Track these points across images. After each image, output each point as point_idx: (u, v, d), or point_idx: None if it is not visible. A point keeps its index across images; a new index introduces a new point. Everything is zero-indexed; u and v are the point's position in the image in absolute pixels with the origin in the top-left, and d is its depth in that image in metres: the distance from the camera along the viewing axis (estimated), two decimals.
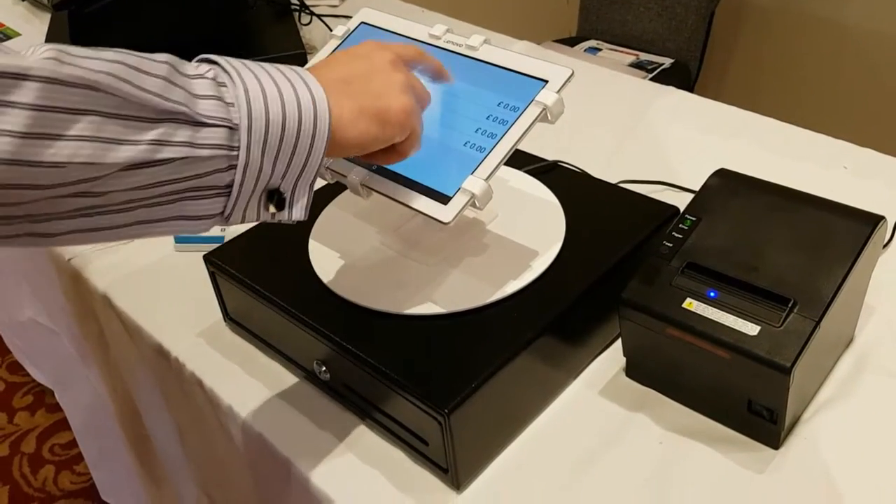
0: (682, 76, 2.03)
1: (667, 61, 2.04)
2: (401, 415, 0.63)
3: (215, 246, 0.76)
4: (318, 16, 1.37)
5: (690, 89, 1.49)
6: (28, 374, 1.47)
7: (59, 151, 0.43)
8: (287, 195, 0.53)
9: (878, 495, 0.59)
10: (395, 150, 0.58)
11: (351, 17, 0.76)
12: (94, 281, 0.87)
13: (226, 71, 0.50)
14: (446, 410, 0.57)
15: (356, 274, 0.70)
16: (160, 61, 0.48)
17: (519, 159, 0.83)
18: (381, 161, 0.60)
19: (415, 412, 0.60)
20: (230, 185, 0.50)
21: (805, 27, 2.19)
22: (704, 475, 0.62)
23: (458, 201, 0.59)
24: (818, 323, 0.59)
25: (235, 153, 0.49)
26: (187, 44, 1.08)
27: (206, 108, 0.48)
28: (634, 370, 0.70)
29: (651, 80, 1.52)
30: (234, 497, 0.83)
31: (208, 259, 0.75)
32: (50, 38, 1.18)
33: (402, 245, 0.72)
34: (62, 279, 0.95)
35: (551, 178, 0.80)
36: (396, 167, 0.63)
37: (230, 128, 0.48)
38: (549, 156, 0.84)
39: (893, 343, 0.71)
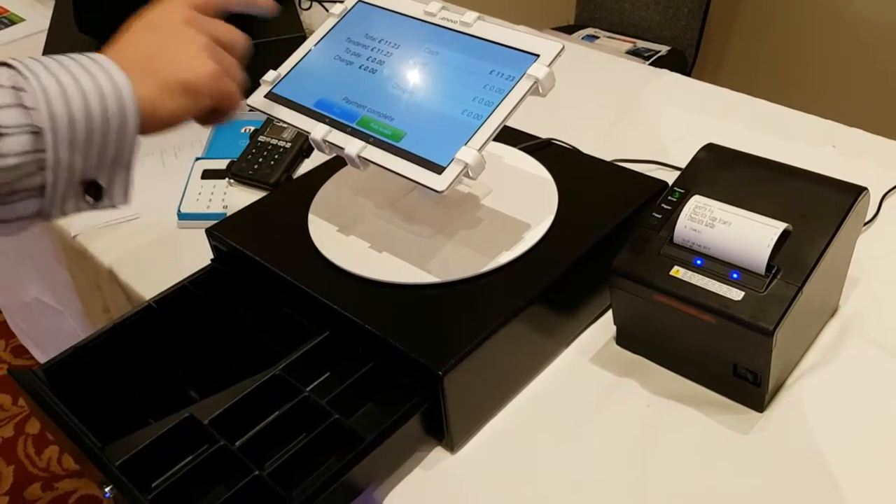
0: (678, 63, 2.04)
1: (663, 49, 2.06)
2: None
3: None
4: (319, 0, 1.39)
5: (687, 76, 1.50)
6: (32, 357, 1.49)
7: None
8: (104, 184, 0.54)
9: (858, 456, 0.62)
10: (217, 112, 0.59)
11: None
12: (99, 257, 0.89)
13: (23, 75, 0.50)
14: (440, 373, 0.59)
15: (355, 246, 0.72)
16: None
17: (514, 137, 0.85)
18: (209, 123, 0.60)
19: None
20: (43, 186, 0.51)
21: (799, 14, 2.20)
22: (690, 436, 0.64)
23: (452, 170, 0.61)
24: (800, 288, 0.61)
25: (43, 155, 0.50)
26: None
27: (6, 118, 0.48)
28: (625, 338, 0.72)
29: None
30: None
31: (211, 233, 0.77)
32: (55, 21, 1.20)
33: (400, 218, 0.74)
34: (67, 256, 0.97)
35: (545, 155, 0.82)
36: (392, 140, 0.65)
37: (34, 132, 0.49)
38: (545, 136, 0.86)
39: (876, 313, 0.73)
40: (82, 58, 0.53)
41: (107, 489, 0.58)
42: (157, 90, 0.54)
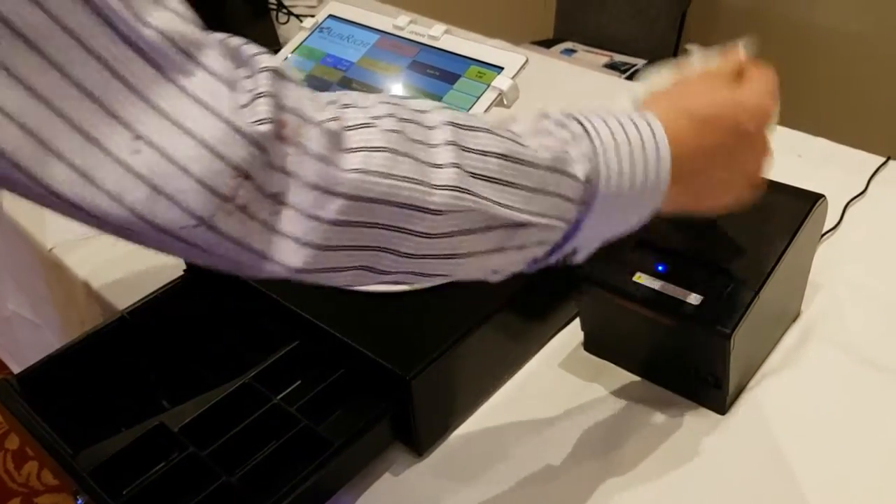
0: None
1: (640, 62, 2.09)
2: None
3: None
4: (296, 15, 1.41)
5: None
6: (11, 372, 1.49)
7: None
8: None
9: (818, 456, 0.63)
10: None
11: None
12: (75, 269, 0.90)
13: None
14: (408, 378, 0.60)
15: None
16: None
17: None
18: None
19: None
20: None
21: (772, 29, 2.24)
22: (655, 438, 0.65)
23: None
24: (757, 293, 0.62)
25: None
26: None
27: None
28: (592, 344, 0.73)
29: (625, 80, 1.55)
30: None
31: None
32: None
33: None
34: (44, 269, 0.98)
35: None
36: None
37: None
38: None
39: (838, 317, 0.75)
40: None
41: (79, 498, 0.59)
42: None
